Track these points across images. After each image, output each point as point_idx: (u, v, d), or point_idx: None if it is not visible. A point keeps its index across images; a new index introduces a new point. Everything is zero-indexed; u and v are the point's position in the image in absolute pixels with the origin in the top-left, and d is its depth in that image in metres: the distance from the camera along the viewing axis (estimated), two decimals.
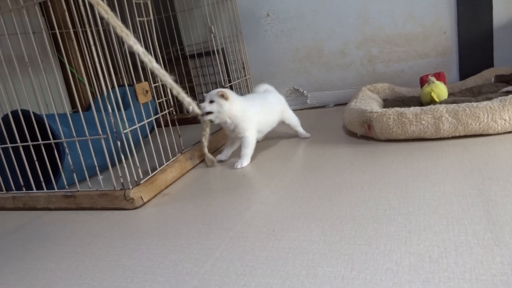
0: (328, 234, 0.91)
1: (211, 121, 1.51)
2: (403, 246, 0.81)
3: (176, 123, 1.58)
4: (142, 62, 1.31)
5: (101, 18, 1.22)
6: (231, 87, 2.28)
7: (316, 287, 0.74)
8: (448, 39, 2.07)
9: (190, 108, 1.45)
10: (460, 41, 2.05)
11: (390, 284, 0.71)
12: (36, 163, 1.42)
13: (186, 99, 1.43)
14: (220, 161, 1.62)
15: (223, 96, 1.47)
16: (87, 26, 1.24)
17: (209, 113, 1.47)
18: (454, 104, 1.40)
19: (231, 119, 1.50)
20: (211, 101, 1.47)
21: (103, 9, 1.19)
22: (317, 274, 0.77)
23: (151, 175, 1.38)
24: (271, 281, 0.78)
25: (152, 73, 1.50)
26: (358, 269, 0.77)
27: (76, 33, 1.29)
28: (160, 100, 1.53)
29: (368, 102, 1.74)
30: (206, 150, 1.57)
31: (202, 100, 1.50)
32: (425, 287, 0.68)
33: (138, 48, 1.27)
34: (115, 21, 1.21)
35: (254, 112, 1.54)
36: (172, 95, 1.48)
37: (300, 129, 1.75)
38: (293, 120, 1.73)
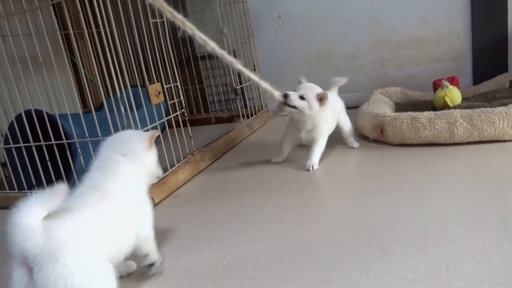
0: (341, 239, 0.90)
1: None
2: (419, 253, 0.80)
3: (188, 124, 1.58)
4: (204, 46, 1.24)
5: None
6: (241, 89, 2.28)
7: None
8: (462, 43, 2.05)
9: (268, 94, 1.37)
10: (474, 46, 2.02)
11: None
12: (49, 162, 1.43)
13: (262, 84, 1.35)
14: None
15: (322, 99, 1.34)
16: (100, 27, 1.25)
17: (293, 107, 1.35)
18: (469, 109, 1.39)
19: (313, 122, 1.39)
20: (302, 97, 1.34)
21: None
22: (332, 280, 0.76)
23: (162, 176, 1.38)
24: (284, 286, 0.77)
25: (165, 74, 1.50)
26: (373, 276, 0.76)
27: (89, 34, 1.30)
28: (172, 101, 1.53)
29: (380, 105, 1.72)
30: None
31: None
32: None
33: (195, 33, 1.20)
34: (163, 7, 1.16)
35: (331, 116, 1.43)
36: (184, 96, 1.48)
37: (351, 137, 1.58)
38: (346, 124, 1.57)
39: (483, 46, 2.00)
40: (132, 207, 0.80)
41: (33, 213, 0.61)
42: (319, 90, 1.37)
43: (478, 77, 2.03)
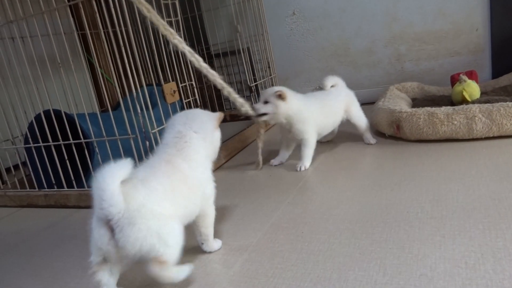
0: (358, 237, 0.90)
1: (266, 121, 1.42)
2: (437, 251, 0.79)
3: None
4: (189, 61, 1.24)
5: (143, 17, 1.20)
6: (256, 87, 2.28)
7: None
8: (481, 36, 2.01)
9: (243, 109, 1.36)
10: (493, 38, 1.98)
11: None
12: (67, 161, 1.45)
13: (239, 100, 1.34)
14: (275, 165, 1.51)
15: (280, 96, 1.36)
16: (116, 26, 1.26)
17: (264, 114, 1.39)
18: (488, 104, 1.36)
19: (287, 119, 1.40)
20: (266, 102, 1.38)
21: (145, 8, 1.17)
22: (349, 278, 0.76)
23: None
24: (301, 284, 0.77)
25: (180, 73, 1.51)
26: (390, 273, 0.75)
27: (105, 34, 1.31)
28: (187, 100, 1.54)
29: (397, 101, 1.70)
30: (259, 152, 1.49)
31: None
32: None
33: (184, 47, 1.21)
34: (157, 20, 1.18)
35: (312, 113, 1.42)
36: (199, 95, 1.49)
37: (367, 133, 1.56)
38: (360, 120, 1.54)
39: (502, 39, 1.96)
40: (199, 184, 0.88)
41: (116, 181, 0.71)
42: (277, 88, 1.39)
43: (498, 71, 1.99)
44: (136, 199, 0.74)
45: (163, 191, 0.79)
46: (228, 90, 1.31)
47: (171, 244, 0.75)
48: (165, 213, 0.77)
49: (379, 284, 0.73)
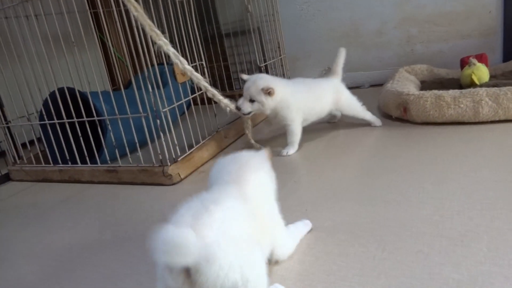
0: (360, 215, 0.93)
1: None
2: (435, 230, 0.82)
3: (213, 101, 1.61)
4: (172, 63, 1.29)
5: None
6: (266, 67, 2.29)
7: (347, 266, 0.76)
8: (493, 18, 1.99)
9: (228, 109, 1.42)
10: (506, 21, 1.96)
11: (421, 266, 0.72)
12: (81, 138, 1.50)
13: (223, 101, 1.40)
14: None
15: (269, 93, 1.36)
16: (128, 5, 1.28)
17: (248, 113, 1.41)
18: (495, 88, 1.36)
19: (272, 111, 1.42)
20: (252, 100, 1.38)
21: (133, 6, 1.19)
22: (349, 253, 0.80)
23: (188, 152, 1.43)
24: (303, 258, 0.81)
25: (191, 52, 1.53)
26: (389, 250, 0.79)
27: (117, 12, 1.33)
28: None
29: (405, 83, 1.71)
30: (252, 141, 1.53)
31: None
32: (456, 270, 0.70)
33: (169, 49, 1.25)
34: (144, 20, 1.20)
35: (297, 99, 1.43)
36: (209, 75, 1.51)
37: (367, 117, 1.55)
38: (352, 109, 1.54)
39: None
40: None
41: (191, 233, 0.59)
42: (263, 83, 1.37)
43: (509, 54, 1.97)
44: (212, 228, 0.62)
45: (240, 210, 0.69)
46: (212, 92, 1.38)
47: (253, 279, 0.62)
48: (246, 237, 0.66)
49: (378, 259, 0.76)
